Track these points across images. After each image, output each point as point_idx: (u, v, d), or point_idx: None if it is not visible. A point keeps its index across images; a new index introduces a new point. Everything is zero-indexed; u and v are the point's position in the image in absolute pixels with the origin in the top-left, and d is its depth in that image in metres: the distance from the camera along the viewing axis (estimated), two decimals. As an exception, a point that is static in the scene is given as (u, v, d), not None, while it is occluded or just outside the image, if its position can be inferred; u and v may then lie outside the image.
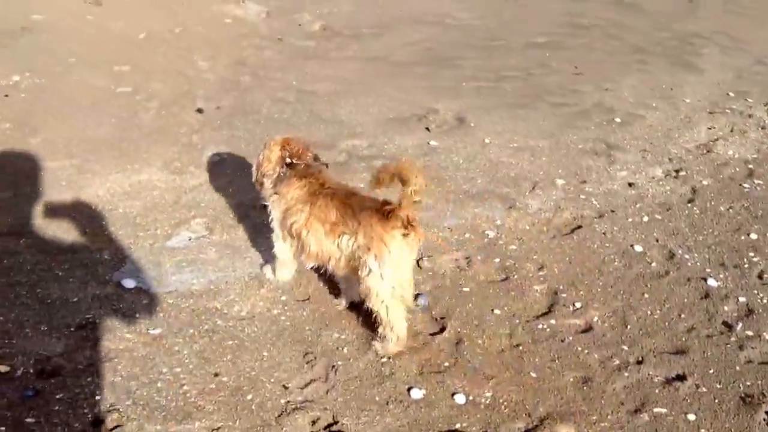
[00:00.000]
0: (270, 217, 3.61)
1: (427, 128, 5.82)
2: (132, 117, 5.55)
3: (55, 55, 6.53)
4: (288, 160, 3.52)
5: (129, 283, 3.67)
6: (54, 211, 4.26)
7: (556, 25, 8.80)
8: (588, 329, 3.61)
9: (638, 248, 4.34)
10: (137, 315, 3.44)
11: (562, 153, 5.49)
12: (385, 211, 3.07)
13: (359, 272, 3.20)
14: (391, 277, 3.14)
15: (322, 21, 8.38)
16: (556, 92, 6.68)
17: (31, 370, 3.01)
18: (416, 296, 3.74)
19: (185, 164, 4.93)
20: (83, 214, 4.25)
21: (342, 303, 3.64)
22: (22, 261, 3.76)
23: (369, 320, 3.52)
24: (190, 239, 4.16)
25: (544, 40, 8.22)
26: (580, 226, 4.53)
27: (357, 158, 5.23)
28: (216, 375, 3.12)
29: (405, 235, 3.08)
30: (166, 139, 5.24)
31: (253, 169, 3.72)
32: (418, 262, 4.05)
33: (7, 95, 5.70)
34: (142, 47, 7.02)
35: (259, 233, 4.18)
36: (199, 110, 5.77)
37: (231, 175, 4.84)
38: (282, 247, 3.60)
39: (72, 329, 3.29)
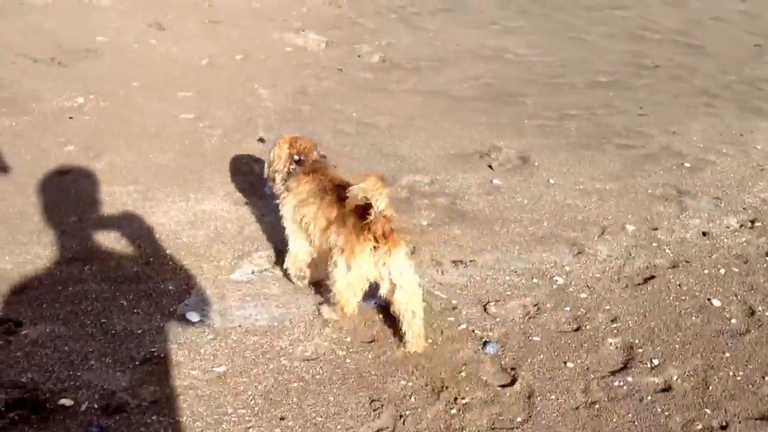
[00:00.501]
0: (281, 215, 3.88)
1: (490, 166, 5.70)
2: (195, 144, 5.54)
3: (118, 79, 6.61)
4: (296, 157, 3.85)
5: (193, 317, 3.60)
6: (119, 238, 4.23)
7: (618, 64, 8.63)
8: (667, 389, 3.42)
9: (716, 303, 4.13)
10: (202, 351, 3.36)
11: (631, 197, 5.32)
12: (363, 224, 3.28)
13: (329, 261, 3.47)
14: (350, 277, 3.38)
15: (381, 53, 8.35)
16: (622, 133, 6.51)
17: (96, 405, 2.94)
18: (484, 344, 3.61)
19: (247, 194, 4.88)
20: (147, 242, 4.22)
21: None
22: (87, 289, 3.73)
23: (437, 368, 3.41)
24: (253, 272, 4.08)
25: (607, 79, 8.06)
26: (653, 276, 4.34)
27: (419, 194, 5.13)
28: (282, 419, 3.00)
29: (375, 248, 3.30)
30: (229, 167, 5.21)
31: (265, 166, 4.05)
32: (485, 306, 3.92)
33: (71, 117, 5.76)
34: (204, 73, 7.06)
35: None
36: (261, 140, 5.73)
37: (293, 207, 4.76)
38: (298, 245, 3.83)
39: (137, 363, 3.22)
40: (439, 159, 5.75)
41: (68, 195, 4.67)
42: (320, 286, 3.81)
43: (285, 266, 3.96)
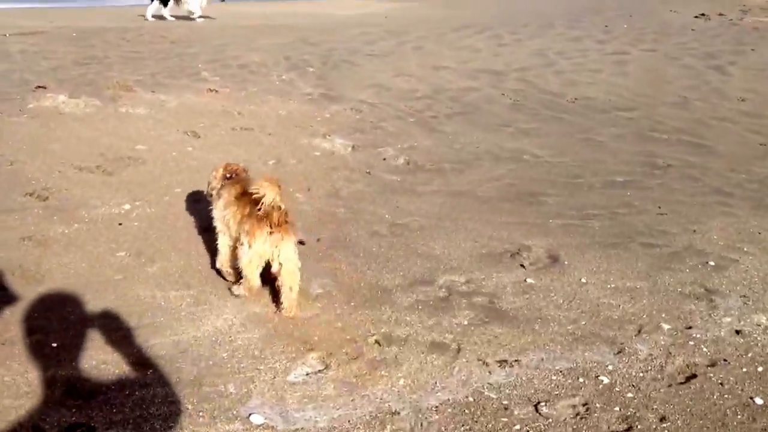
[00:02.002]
0: (213, 217, 5.16)
1: (522, 265, 5.90)
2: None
3: (161, 185, 6.91)
4: (228, 175, 5.20)
5: (257, 419, 3.71)
6: (177, 342, 4.39)
7: (632, 164, 8.98)
8: (723, 488, 3.51)
9: (759, 401, 4.24)
10: (270, 454, 3.46)
11: (662, 295, 5.49)
12: (263, 214, 4.54)
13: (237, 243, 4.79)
14: (250, 253, 4.65)
15: (405, 155, 8.71)
16: (645, 232, 6.74)
17: None
18: (541, 444, 3.71)
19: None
20: (205, 346, 4.37)
21: None
22: (153, 393, 3.86)
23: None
24: (307, 374, 4.21)
25: (623, 179, 8.38)
26: (695, 375, 4.47)
27: (457, 294, 5.30)
28: None
29: (270, 233, 4.58)
30: (274, 270, 5.41)
31: (207, 183, 5.42)
32: (536, 406, 4.03)
33: (120, 224, 6.01)
34: (240, 178, 7.36)
35: (375, 369, 4.24)
36: (301, 242, 5.94)
37: (339, 309, 4.94)
38: (223, 239, 5.09)
39: (209, 469, 3.32)
40: (472, 259, 5.96)
41: (126, 300, 4.85)
42: (377, 384, 3.93)
43: (217, 266, 5.26)
